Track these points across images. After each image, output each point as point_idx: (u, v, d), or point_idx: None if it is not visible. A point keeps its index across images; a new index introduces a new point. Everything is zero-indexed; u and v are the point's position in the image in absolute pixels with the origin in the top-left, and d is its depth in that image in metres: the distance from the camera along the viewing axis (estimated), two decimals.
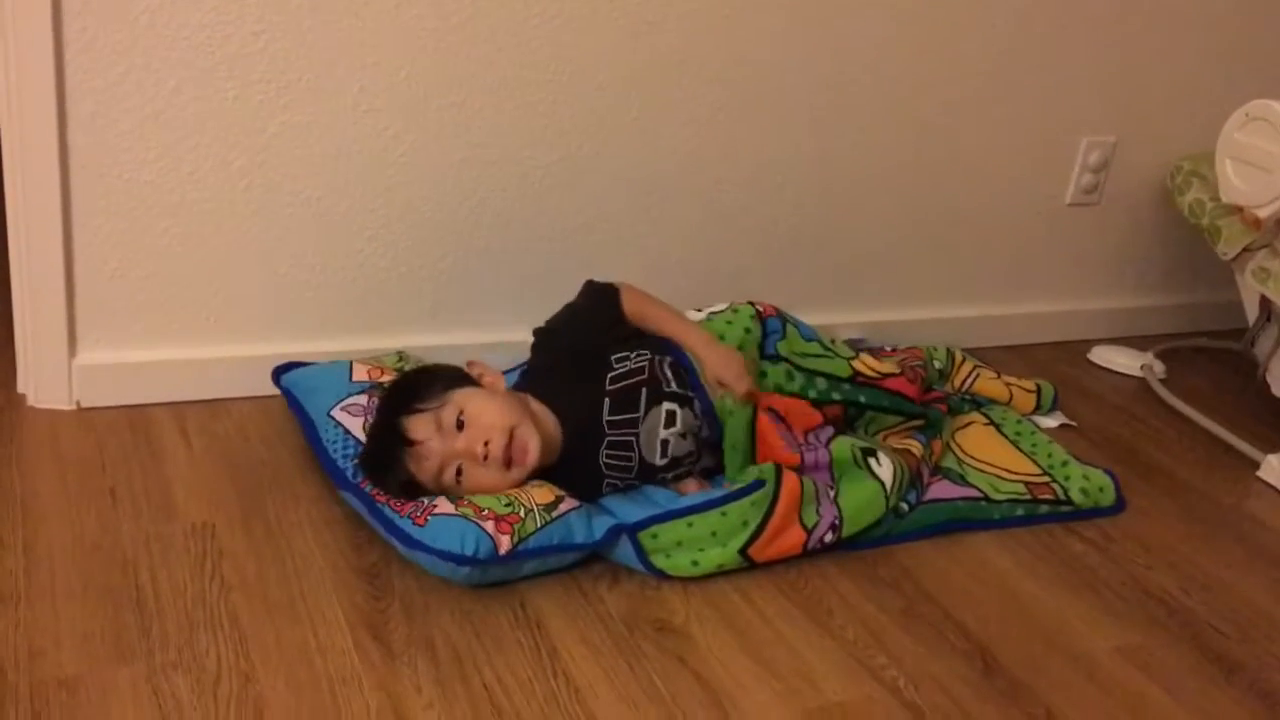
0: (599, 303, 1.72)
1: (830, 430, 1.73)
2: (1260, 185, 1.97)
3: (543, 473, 1.55)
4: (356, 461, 1.54)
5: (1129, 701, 1.42)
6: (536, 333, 1.72)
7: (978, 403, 2.05)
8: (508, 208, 1.89)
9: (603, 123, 1.90)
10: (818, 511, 1.59)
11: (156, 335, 1.76)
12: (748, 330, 1.76)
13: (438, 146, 1.80)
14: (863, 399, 1.77)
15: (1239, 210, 2.08)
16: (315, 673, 1.29)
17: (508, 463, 1.50)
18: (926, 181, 2.20)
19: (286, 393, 1.71)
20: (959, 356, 2.14)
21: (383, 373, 1.67)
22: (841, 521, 1.60)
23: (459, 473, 1.49)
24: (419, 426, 1.49)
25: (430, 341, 1.88)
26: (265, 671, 1.28)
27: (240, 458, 1.66)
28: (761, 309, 1.80)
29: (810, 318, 1.93)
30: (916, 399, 1.84)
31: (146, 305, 1.74)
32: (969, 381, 2.08)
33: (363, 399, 1.61)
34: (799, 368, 1.75)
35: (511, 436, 1.50)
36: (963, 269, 2.32)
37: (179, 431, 1.71)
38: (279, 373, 1.74)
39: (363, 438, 1.57)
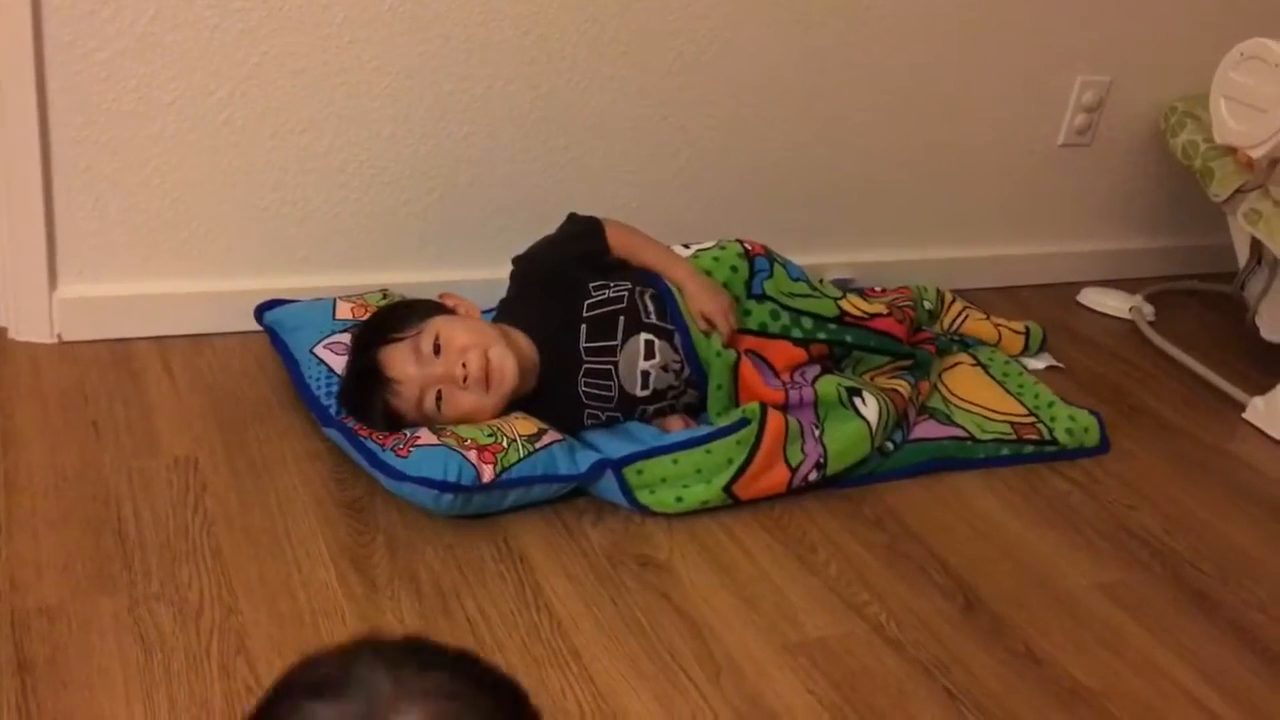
0: (581, 233, 1.70)
1: (816, 369, 1.72)
2: (1254, 125, 1.95)
3: (523, 404, 1.55)
4: (337, 397, 1.53)
5: (1108, 637, 1.43)
6: (515, 261, 1.71)
7: (966, 344, 2.05)
8: (494, 142, 1.86)
9: (590, 56, 1.87)
10: (802, 450, 1.59)
11: (138, 268, 1.74)
12: (734, 269, 1.74)
13: (423, 79, 1.78)
14: (849, 339, 1.76)
15: (1233, 151, 2.07)
16: (298, 605, 1.29)
17: (486, 384, 1.50)
18: (917, 121, 2.17)
19: (269, 330, 1.70)
20: (949, 297, 2.13)
21: (366, 310, 1.66)
22: (826, 460, 1.60)
23: (439, 399, 1.49)
24: (396, 356, 1.49)
25: (416, 278, 1.86)
26: (247, 603, 1.28)
27: (223, 392, 1.65)
28: (750, 247, 1.79)
29: (799, 258, 1.92)
30: (904, 339, 1.84)
31: (127, 238, 1.72)
32: (958, 322, 2.07)
33: (345, 337, 1.60)
34: (785, 307, 1.74)
35: (488, 358, 1.50)
36: (953, 210, 2.30)
37: (162, 366, 1.70)
38: (262, 310, 1.73)
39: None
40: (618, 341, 1.60)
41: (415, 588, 1.34)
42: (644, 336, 1.61)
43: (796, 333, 1.73)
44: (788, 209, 2.13)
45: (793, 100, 2.05)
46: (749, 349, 1.68)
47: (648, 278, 1.68)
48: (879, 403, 1.67)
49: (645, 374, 1.61)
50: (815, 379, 1.69)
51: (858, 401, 1.66)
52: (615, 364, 1.60)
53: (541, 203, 1.89)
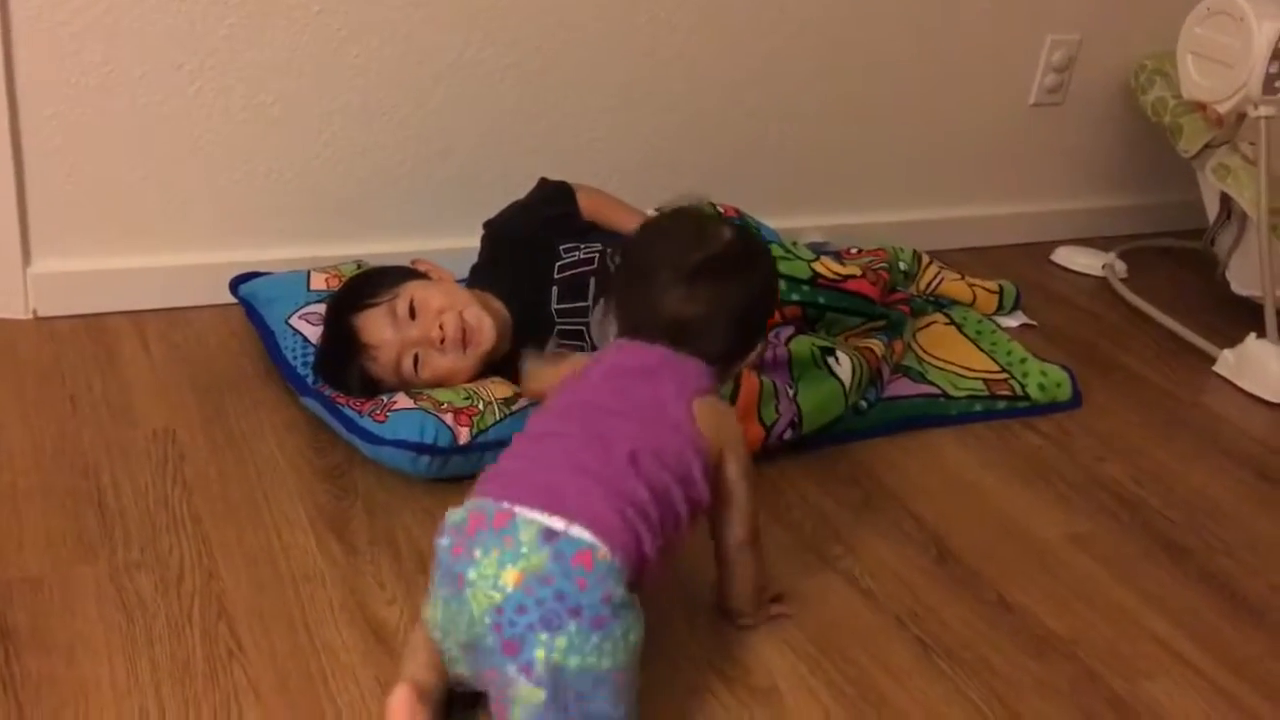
0: (552, 197, 1.72)
1: (790, 329, 1.74)
2: (1221, 80, 1.97)
3: (497, 367, 1.56)
4: (313, 366, 1.54)
5: (1078, 585, 1.46)
6: (486, 226, 1.72)
7: (940, 304, 2.06)
8: (467, 111, 1.87)
9: (563, 24, 1.87)
10: (776, 409, 1.60)
11: (113, 243, 1.74)
12: None
13: (393, 49, 1.78)
14: (822, 300, 1.77)
15: (1201, 107, 2.08)
16: (278, 570, 1.31)
17: (464, 344, 1.51)
18: (888, 82, 2.18)
19: (244, 302, 1.71)
20: (925, 259, 2.14)
21: (340, 281, 1.67)
22: (800, 419, 1.62)
23: (416, 361, 1.50)
24: (372, 321, 1.50)
25: (391, 248, 1.86)
26: (228, 569, 1.29)
27: (200, 365, 1.66)
28: (722, 209, 1.80)
29: (772, 221, 1.93)
30: (878, 300, 1.85)
31: (101, 213, 1.72)
32: (934, 284, 2.09)
33: (320, 307, 1.60)
34: None
35: (464, 319, 1.52)
36: (925, 171, 2.32)
37: (138, 339, 1.70)
38: (236, 283, 1.73)
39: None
40: (589, 303, 1.62)
41: (394, 551, 1.36)
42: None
43: None
44: (762, 173, 2.14)
45: (764, 65, 2.06)
46: None
47: (619, 239, 1.69)
48: (853, 361, 1.68)
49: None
50: (789, 339, 1.70)
51: (831, 361, 1.67)
52: (587, 325, 1.61)
53: (515, 171, 1.89)
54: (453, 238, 1.88)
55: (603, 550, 1.04)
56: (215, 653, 1.18)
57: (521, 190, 1.78)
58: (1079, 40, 2.32)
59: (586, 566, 1.03)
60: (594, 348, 1.62)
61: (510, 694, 1.04)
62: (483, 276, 1.67)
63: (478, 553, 1.04)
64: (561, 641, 1.02)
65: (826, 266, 1.81)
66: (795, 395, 1.64)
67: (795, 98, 2.11)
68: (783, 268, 1.76)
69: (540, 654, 1.02)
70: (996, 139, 2.36)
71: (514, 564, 1.03)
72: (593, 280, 1.62)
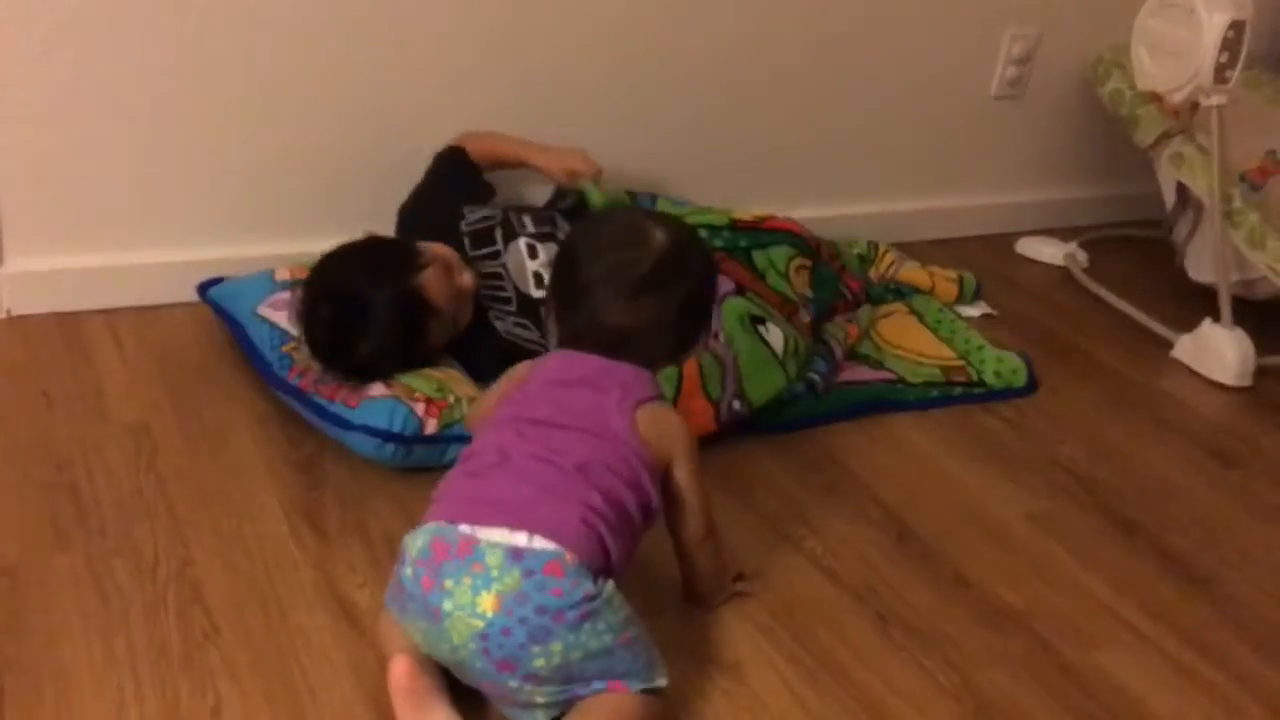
0: (447, 167, 1.81)
1: (728, 286, 1.74)
2: (1173, 71, 2.01)
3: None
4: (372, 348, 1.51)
5: (1034, 562, 1.50)
6: (399, 213, 1.80)
7: (901, 292, 2.10)
8: (439, 110, 1.89)
9: (525, 18, 1.90)
10: (721, 384, 1.62)
11: (85, 242, 1.76)
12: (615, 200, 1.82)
13: (362, 49, 1.80)
14: (744, 243, 1.82)
15: (1157, 98, 2.13)
16: (251, 557, 1.33)
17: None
18: (850, 75, 2.22)
19: (213, 304, 1.73)
20: (881, 247, 2.18)
21: (305, 272, 1.69)
22: (743, 389, 1.64)
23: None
24: (433, 279, 1.55)
25: None
26: (202, 556, 1.32)
27: (172, 360, 1.69)
28: (634, 192, 1.87)
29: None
30: (800, 234, 1.90)
31: (72, 212, 1.74)
32: (892, 270, 2.13)
33: (286, 294, 1.63)
34: None
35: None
36: (887, 163, 2.36)
37: (110, 336, 1.72)
38: (204, 287, 1.75)
39: (291, 330, 1.59)
40: (499, 246, 1.71)
41: (365, 538, 1.39)
42: (524, 241, 1.72)
43: None
44: (721, 166, 2.17)
45: (725, 58, 2.09)
46: None
47: (520, 206, 1.79)
48: (783, 332, 1.72)
49: (537, 275, 1.70)
50: (724, 297, 1.70)
51: (761, 329, 1.70)
52: (504, 266, 1.69)
53: None
54: None
55: (570, 555, 1.08)
56: (191, 635, 1.21)
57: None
58: (1039, 34, 2.37)
59: (558, 574, 1.07)
60: (516, 289, 1.69)
61: (523, 699, 1.10)
62: None
63: (449, 583, 1.07)
64: (557, 646, 1.06)
65: (744, 214, 1.85)
66: (735, 361, 1.65)
67: (756, 91, 2.14)
68: (701, 219, 1.82)
69: (540, 663, 1.07)
70: (958, 132, 2.40)
71: (488, 589, 1.06)
72: (498, 231, 1.73)
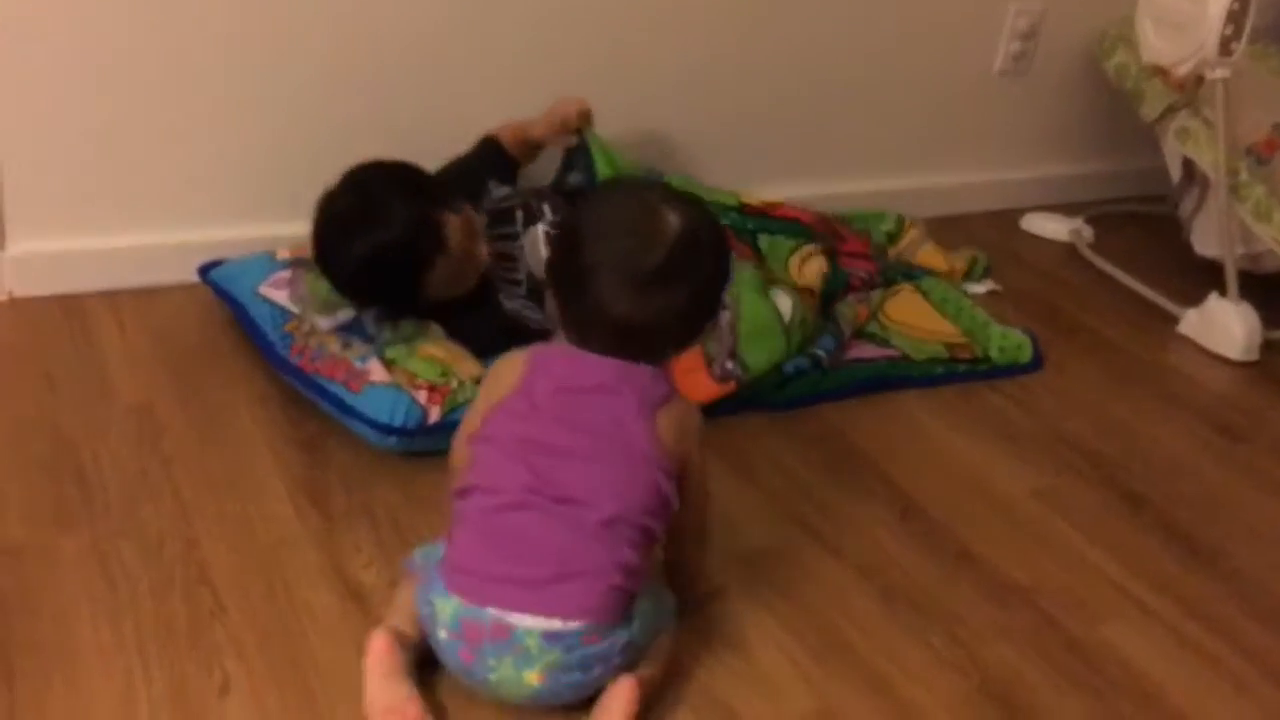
0: (485, 146, 1.82)
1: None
2: (1178, 44, 2.00)
3: (444, 314, 1.61)
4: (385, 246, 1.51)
5: (1040, 537, 1.50)
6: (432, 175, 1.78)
7: (911, 275, 2.09)
8: (440, 89, 1.88)
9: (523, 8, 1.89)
10: (718, 341, 1.62)
11: (86, 224, 1.76)
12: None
13: (359, 27, 1.79)
14: (750, 226, 1.81)
15: (1162, 72, 2.12)
16: (256, 537, 1.34)
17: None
18: (854, 52, 2.20)
19: (214, 285, 1.73)
20: (908, 223, 2.17)
21: (305, 251, 1.69)
22: (739, 350, 1.63)
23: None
24: (463, 221, 1.57)
25: None
26: (208, 537, 1.32)
27: (175, 341, 1.69)
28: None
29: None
30: (811, 225, 1.89)
31: (74, 194, 1.74)
32: (909, 250, 2.12)
33: (287, 273, 1.63)
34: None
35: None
36: (893, 140, 2.35)
37: (113, 318, 1.72)
38: (206, 269, 1.75)
39: (292, 308, 1.59)
40: (518, 228, 1.70)
41: (370, 518, 1.39)
42: (541, 228, 1.70)
43: None
44: (723, 144, 2.16)
45: (725, 35, 2.08)
46: None
47: (544, 194, 1.77)
48: (793, 300, 1.72)
49: None
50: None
51: (773, 291, 1.71)
52: (520, 249, 1.69)
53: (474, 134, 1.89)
54: None
55: (605, 624, 1.10)
56: (198, 614, 1.21)
57: None
58: (1043, 9, 2.35)
59: (596, 641, 1.10)
60: (529, 274, 1.68)
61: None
62: None
63: (491, 661, 1.09)
64: (604, 677, 1.12)
65: (753, 199, 1.85)
66: (735, 328, 1.65)
67: (757, 68, 2.13)
68: (710, 197, 1.81)
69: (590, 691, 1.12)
70: (964, 108, 2.39)
71: (531, 667, 1.08)
72: (519, 213, 1.72)
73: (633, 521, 1.12)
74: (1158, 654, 1.32)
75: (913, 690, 1.23)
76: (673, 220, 1.13)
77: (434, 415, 1.46)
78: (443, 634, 1.11)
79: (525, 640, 1.07)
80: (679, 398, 1.19)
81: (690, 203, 1.17)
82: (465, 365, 1.54)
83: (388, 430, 1.44)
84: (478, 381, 1.51)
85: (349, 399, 1.46)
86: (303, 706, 1.12)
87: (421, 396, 1.47)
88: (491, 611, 1.08)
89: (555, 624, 1.08)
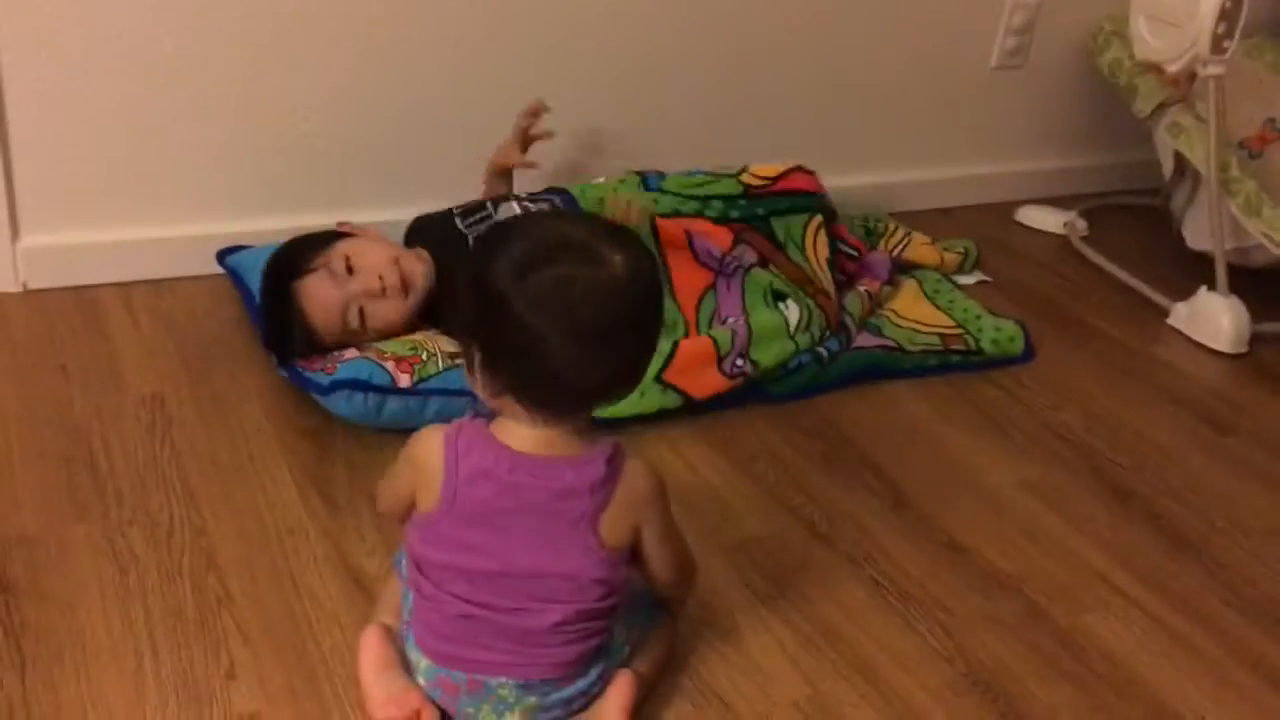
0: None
1: (753, 258, 1.79)
2: (1171, 41, 2.02)
3: (430, 310, 1.65)
4: (264, 340, 1.61)
5: (1028, 527, 1.53)
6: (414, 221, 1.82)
7: (904, 272, 2.12)
8: (452, 86, 1.91)
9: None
10: (732, 341, 1.67)
11: (100, 216, 1.79)
12: (622, 180, 1.85)
13: (375, 25, 1.82)
14: (761, 210, 1.84)
15: (1155, 68, 2.14)
16: (264, 525, 1.37)
17: (404, 290, 1.61)
18: (849, 46, 2.23)
19: (231, 271, 1.77)
20: (891, 224, 2.20)
21: None
22: (750, 350, 1.67)
23: (362, 314, 1.59)
24: (312, 284, 1.58)
25: (373, 217, 1.87)
26: (216, 525, 1.36)
27: (186, 333, 1.72)
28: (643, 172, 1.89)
29: None
30: (816, 190, 1.92)
31: (87, 186, 1.77)
32: (901, 246, 2.15)
33: None
34: (690, 197, 1.83)
35: (400, 266, 1.62)
36: (887, 133, 2.37)
37: (126, 310, 1.76)
38: (223, 255, 1.80)
39: None
40: (490, 212, 1.74)
41: (374, 507, 1.41)
42: (516, 203, 1.76)
43: (710, 213, 1.82)
44: (723, 136, 2.18)
45: (722, 30, 2.10)
46: (685, 230, 1.77)
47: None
48: (801, 309, 1.75)
49: None
50: (749, 268, 1.77)
51: (781, 305, 1.74)
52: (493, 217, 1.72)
53: (493, 136, 1.92)
54: (437, 203, 1.92)
55: (579, 675, 1.13)
56: (205, 601, 1.25)
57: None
58: (1039, 4, 2.37)
59: (571, 682, 1.13)
60: None
61: None
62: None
63: (469, 710, 1.12)
64: (590, 701, 1.14)
65: (754, 174, 1.88)
66: (746, 320, 1.70)
67: (754, 63, 2.16)
68: (714, 189, 1.84)
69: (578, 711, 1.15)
70: (959, 102, 2.41)
71: (510, 711, 1.12)
72: (489, 203, 1.77)
73: (585, 611, 1.09)
74: (1142, 644, 1.36)
75: (900, 678, 1.27)
76: (617, 261, 1.01)
77: (403, 380, 1.52)
78: (420, 680, 1.13)
79: (499, 690, 1.11)
80: (626, 469, 1.10)
81: (623, 236, 1.05)
82: (438, 340, 1.60)
83: (356, 386, 1.48)
84: (453, 354, 1.56)
85: (326, 381, 1.50)
86: (307, 691, 1.16)
87: (389, 365, 1.53)
88: (458, 674, 1.11)
89: (529, 674, 1.10)
